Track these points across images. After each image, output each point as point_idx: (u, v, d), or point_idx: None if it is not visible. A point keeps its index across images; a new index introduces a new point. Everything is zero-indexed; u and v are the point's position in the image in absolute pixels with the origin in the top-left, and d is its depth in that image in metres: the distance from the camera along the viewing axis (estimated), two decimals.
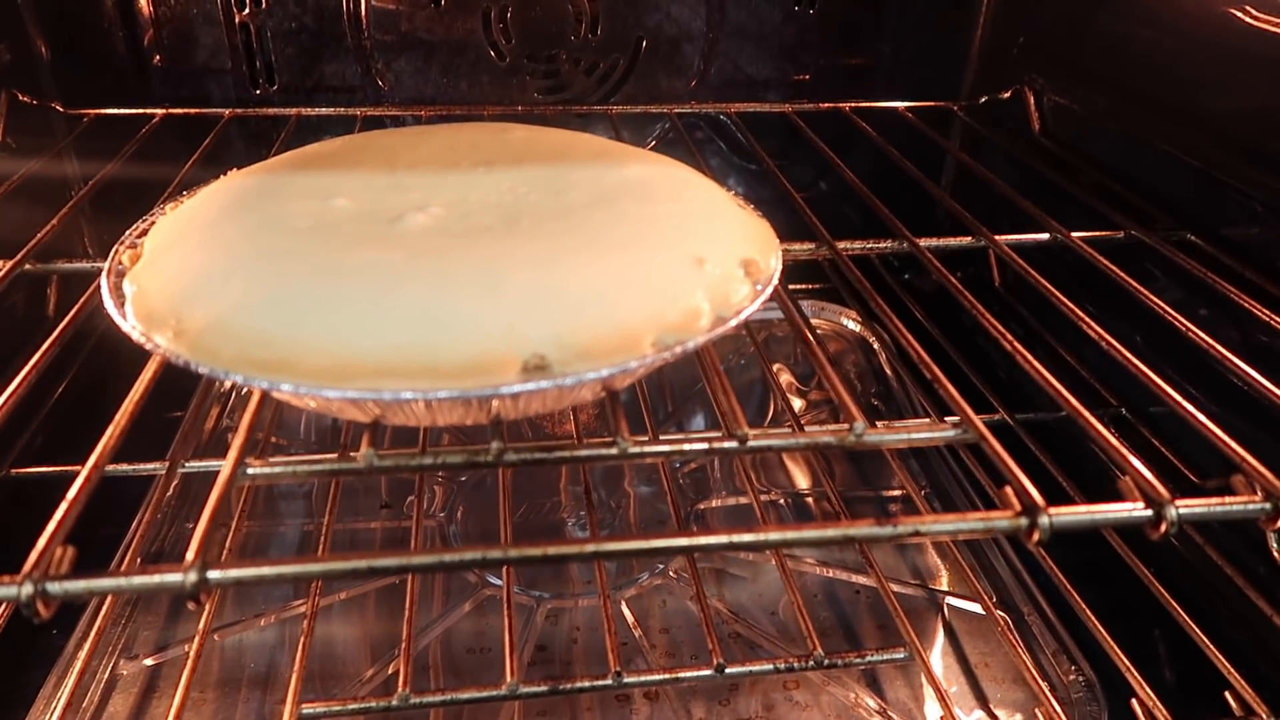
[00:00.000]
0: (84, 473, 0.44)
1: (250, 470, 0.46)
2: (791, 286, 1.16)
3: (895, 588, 0.78)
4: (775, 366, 1.09)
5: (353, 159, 0.62)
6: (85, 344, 0.93)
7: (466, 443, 0.82)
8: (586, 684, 0.63)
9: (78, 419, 0.90)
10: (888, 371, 1.05)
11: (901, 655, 0.64)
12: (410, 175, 0.60)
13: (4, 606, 0.65)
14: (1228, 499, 0.47)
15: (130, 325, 0.47)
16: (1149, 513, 0.45)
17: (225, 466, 0.45)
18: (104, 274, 0.52)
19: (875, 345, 1.10)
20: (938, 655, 0.74)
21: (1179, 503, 0.45)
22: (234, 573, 0.40)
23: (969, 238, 0.76)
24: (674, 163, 0.66)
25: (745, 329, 0.58)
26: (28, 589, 0.38)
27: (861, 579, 0.80)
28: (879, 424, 0.51)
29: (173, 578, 0.39)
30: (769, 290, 0.53)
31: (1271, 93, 0.69)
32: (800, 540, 0.45)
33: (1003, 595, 0.79)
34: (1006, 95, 1.03)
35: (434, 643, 0.74)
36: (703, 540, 0.45)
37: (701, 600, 0.67)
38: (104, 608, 0.70)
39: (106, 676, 0.69)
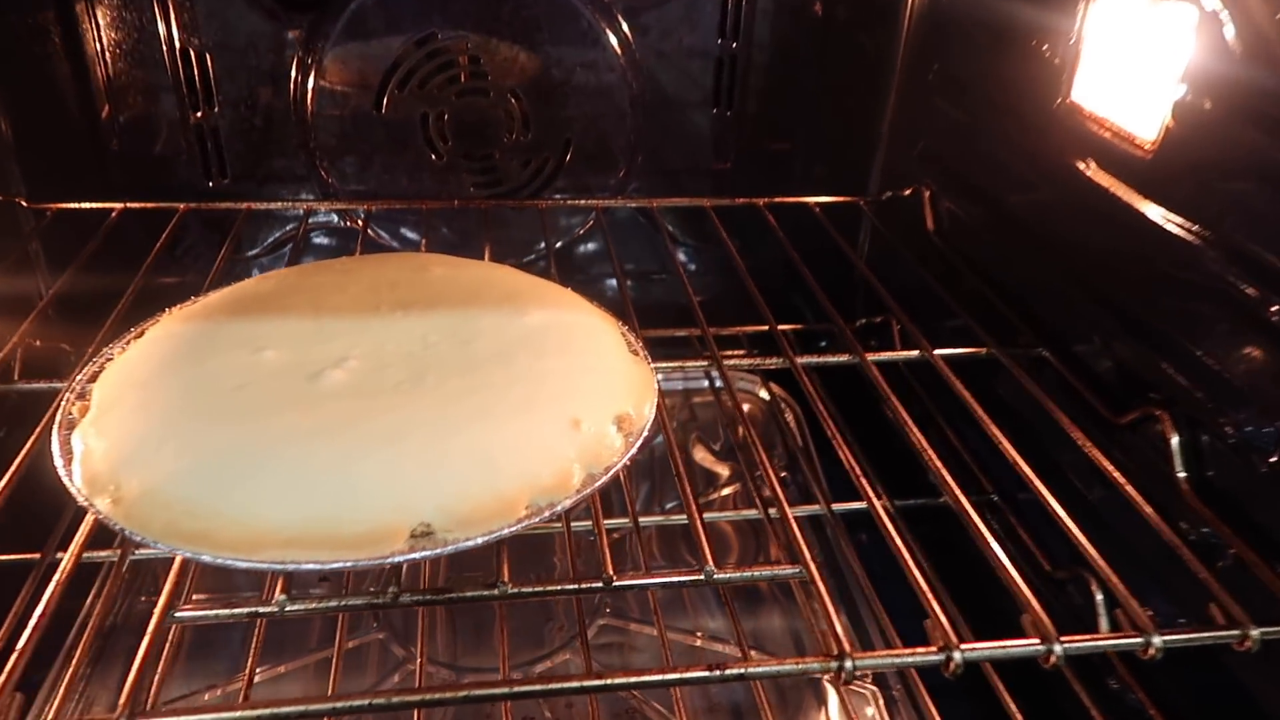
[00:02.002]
0: (34, 621, 0.51)
1: (178, 614, 0.54)
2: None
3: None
4: (694, 436, 1.18)
5: (283, 303, 0.70)
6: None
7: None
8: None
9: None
10: (797, 441, 1.14)
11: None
12: (335, 321, 0.67)
13: None
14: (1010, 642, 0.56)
15: (75, 488, 0.54)
16: (940, 656, 0.54)
17: (155, 614, 0.53)
18: (55, 428, 0.59)
19: (788, 416, 1.18)
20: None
21: (965, 646, 0.54)
22: None
23: (846, 355, 0.85)
24: (574, 302, 0.74)
25: (663, 417, 0.66)
26: None
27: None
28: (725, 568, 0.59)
29: None
30: (639, 442, 0.62)
31: (1108, 239, 0.78)
32: (646, 684, 0.53)
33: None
34: (907, 193, 1.11)
35: None
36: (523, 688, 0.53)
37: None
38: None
39: None
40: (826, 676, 0.80)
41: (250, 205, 1.02)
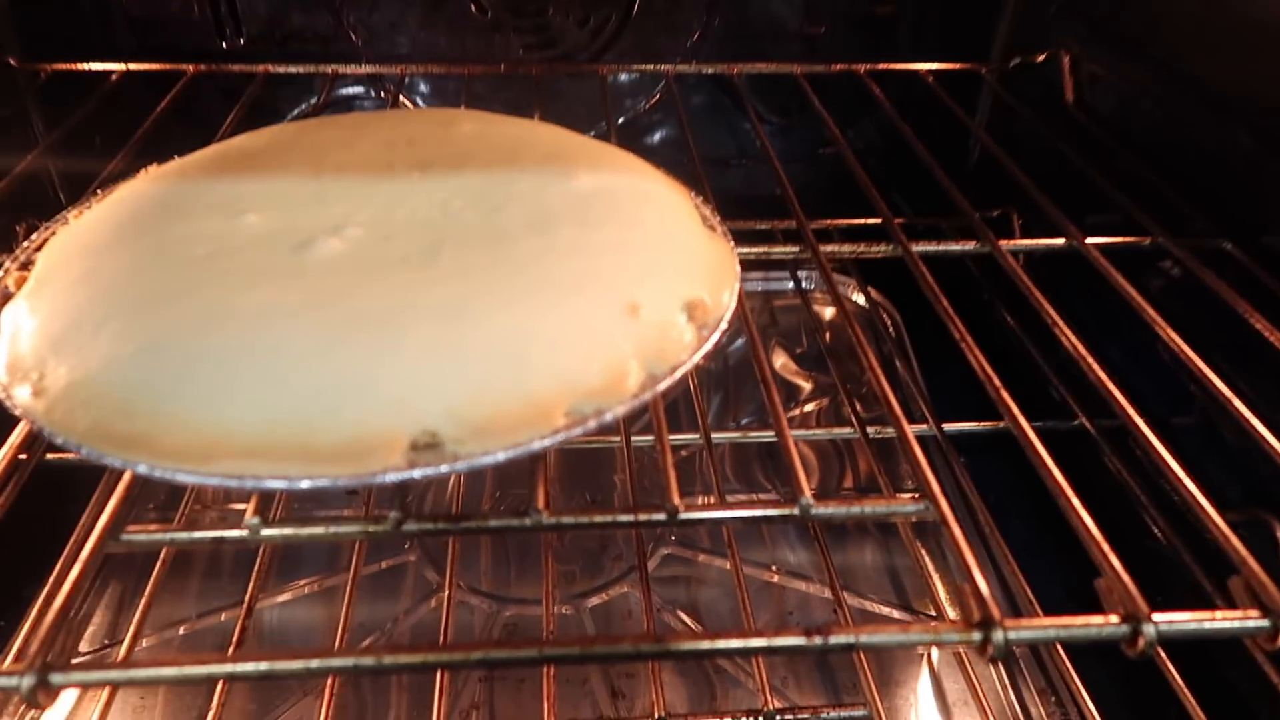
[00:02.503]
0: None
1: (124, 536, 0.42)
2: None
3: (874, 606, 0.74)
4: (773, 342, 1.03)
5: (279, 159, 0.57)
6: None
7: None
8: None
9: None
10: (895, 361, 0.99)
11: (861, 714, 0.60)
12: (336, 182, 0.54)
13: None
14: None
15: None
16: (1123, 629, 0.40)
17: (93, 536, 0.41)
18: None
19: (887, 323, 1.03)
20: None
21: (1158, 617, 0.40)
22: (77, 676, 0.37)
23: (974, 242, 0.69)
24: (633, 165, 0.59)
25: (744, 310, 0.52)
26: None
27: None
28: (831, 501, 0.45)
29: (7, 680, 0.36)
30: (716, 335, 0.47)
31: None
32: (723, 650, 0.40)
33: None
34: (1041, 59, 0.93)
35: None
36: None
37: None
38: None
39: None
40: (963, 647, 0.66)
41: (268, 68, 0.88)
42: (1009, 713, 0.65)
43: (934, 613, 0.76)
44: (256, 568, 0.65)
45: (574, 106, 1.00)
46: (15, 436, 0.47)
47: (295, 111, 1.00)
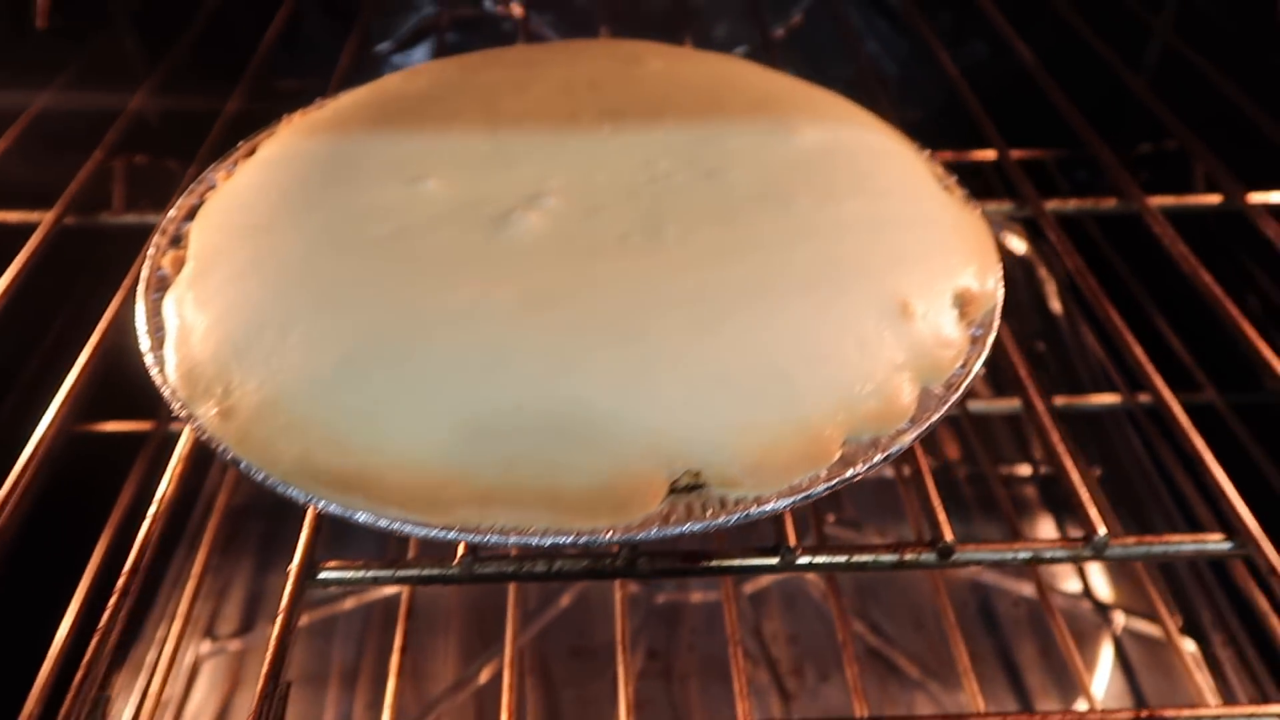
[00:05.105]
0: (153, 508, 0.35)
1: (322, 575, 0.37)
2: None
3: (1060, 601, 0.67)
4: None
5: (447, 107, 0.49)
6: None
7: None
8: None
9: None
10: (1056, 309, 0.90)
11: None
12: (517, 136, 0.46)
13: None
14: None
15: (169, 387, 0.37)
16: None
17: (289, 578, 0.36)
18: (140, 288, 0.41)
19: (1043, 274, 0.93)
20: (1104, 688, 0.64)
21: None
22: None
23: (1218, 195, 0.59)
24: (851, 112, 0.50)
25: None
26: None
27: (1025, 588, 0.69)
28: (1127, 539, 0.38)
29: None
30: (992, 336, 0.40)
31: None
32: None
33: (1191, 618, 0.67)
34: None
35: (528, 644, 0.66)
36: None
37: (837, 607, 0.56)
38: (188, 586, 0.64)
39: (189, 661, 0.64)
40: None
41: None
42: None
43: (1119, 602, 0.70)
44: (402, 612, 0.58)
45: (710, 25, 0.90)
46: (183, 446, 0.41)
47: (407, 27, 0.91)
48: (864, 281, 0.38)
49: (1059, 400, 0.71)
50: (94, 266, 0.65)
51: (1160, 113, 0.68)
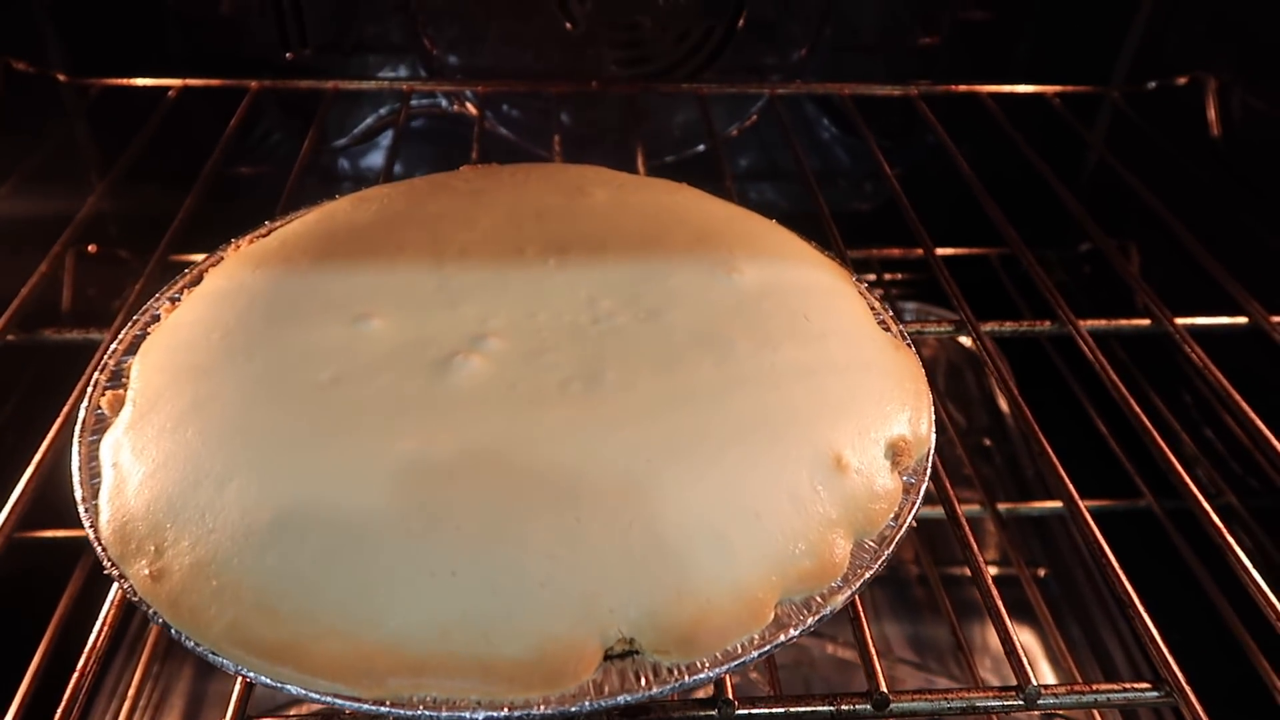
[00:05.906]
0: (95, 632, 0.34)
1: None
2: (886, 276, 1.02)
3: None
4: None
5: (394, 239, 0.49)
6: None
7: None
8: None
9: None
10: (1004, 406, 0.92)
11: None
12: (463, 272, 0.47)
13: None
14: None
15: (100, 542, 0.36)
16: None
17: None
18: (75, 437, 0.41)
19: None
20: None
21: None
22: None
23: (1148, 320, 0.61)
24: (788, 243, 0.52)
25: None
26: None
27: None
28: (1055, 688, 0.39)
29: None
30: (924, 487, 0.41)
31: None
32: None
33: None
34: (1181, 82, 0.84)
35: None
36: None
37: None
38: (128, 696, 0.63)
39: None
40: None
41: (337, 84, 0.81)
42: None
43: None
44: None
45: (659, 125, 0.92)
46: (115, 594, 0.41)
47: (362, 125, 0.92)
48: (798, 432, 0.39)
49: (1002, 506, 0.72)
50: (42, 365, 0.65)
51: (1091, 231, 0.71)
